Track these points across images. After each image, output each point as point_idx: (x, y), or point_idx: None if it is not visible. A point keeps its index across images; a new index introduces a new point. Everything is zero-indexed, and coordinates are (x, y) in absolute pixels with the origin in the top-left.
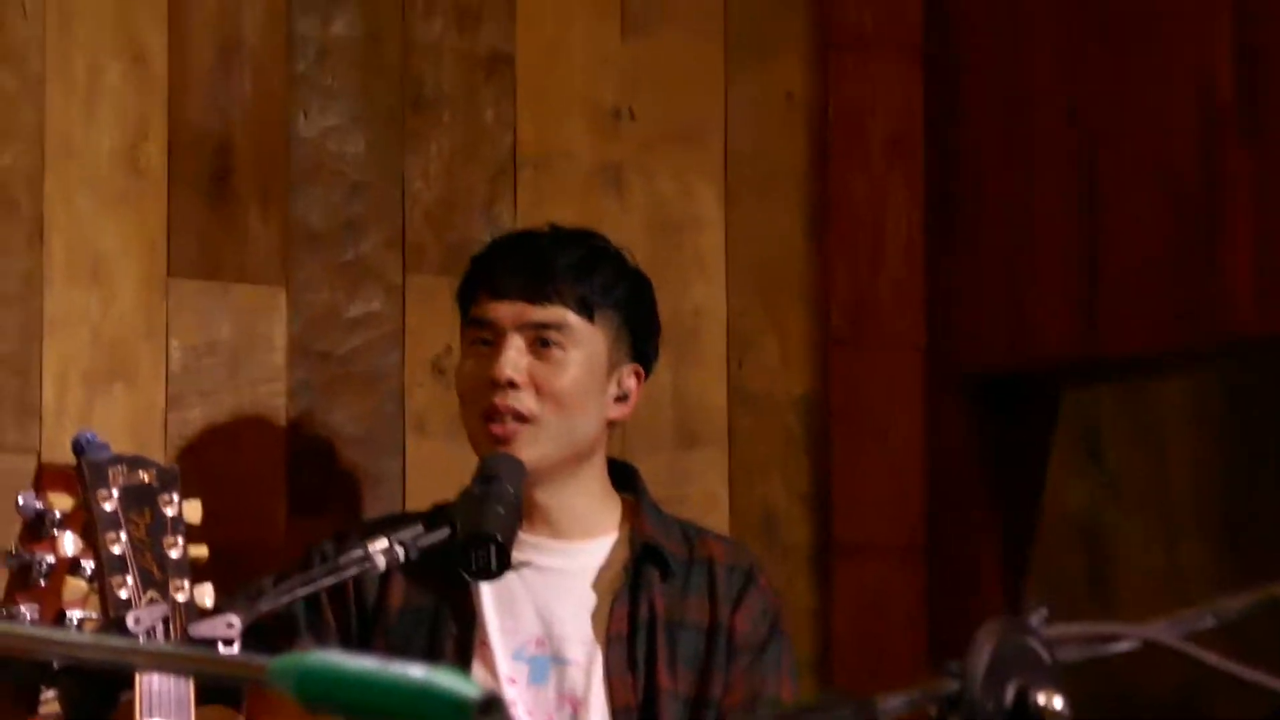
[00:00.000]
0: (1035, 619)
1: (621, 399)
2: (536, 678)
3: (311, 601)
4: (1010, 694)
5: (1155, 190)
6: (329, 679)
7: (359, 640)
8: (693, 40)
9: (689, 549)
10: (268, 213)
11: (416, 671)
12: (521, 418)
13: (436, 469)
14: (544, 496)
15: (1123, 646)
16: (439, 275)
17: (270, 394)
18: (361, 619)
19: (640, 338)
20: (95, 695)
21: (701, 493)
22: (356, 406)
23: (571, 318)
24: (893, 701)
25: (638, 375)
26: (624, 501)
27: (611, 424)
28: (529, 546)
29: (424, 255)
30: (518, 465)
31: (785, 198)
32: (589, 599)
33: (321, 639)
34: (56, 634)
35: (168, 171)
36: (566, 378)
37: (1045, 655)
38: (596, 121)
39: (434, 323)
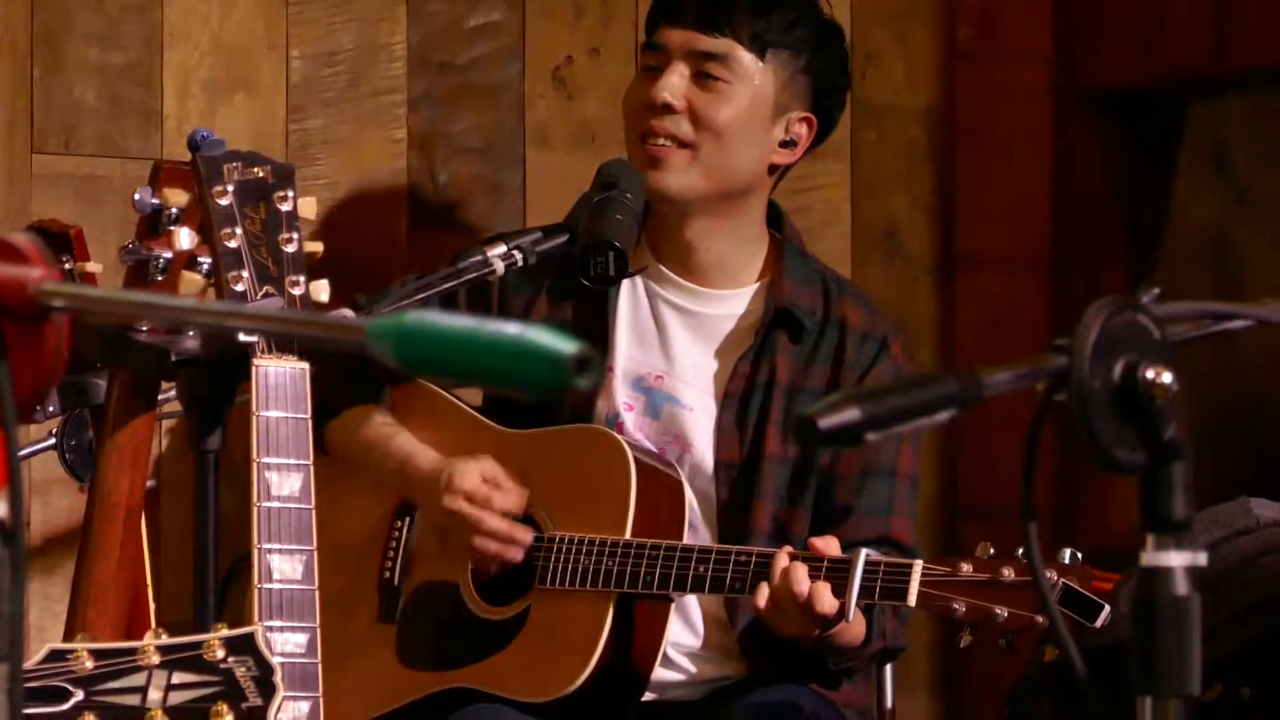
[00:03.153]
0: (1147, 296)
1: (788, 144)
2: (651, 411)
3: (449, 307)
4: (1118, 369)
5: None
6: (427, 338)
7: None
8: None
9: (825, 306)
10: None
11: (512, 328)
12: (677, 141)
13: (556, 180)
14: (693, 235)
15: (1235, 325)
16: None
17: (390, 104)
18: None
19: (820, 87)
20: (213, 388)
21: (823, 203)
22: (477, 117)
23: (740, 51)
24: (999, 376)
25: (809, 124)
26: (771, 242)
27: (774, 168)
28: (669, 283)
29: None
30: (635, 173)
31: None
32: (715, 350)
33: None
34: (168, 303)
35: None
36: (726, 110)
37: (1156, 332)
38: None
39: (554, 34)
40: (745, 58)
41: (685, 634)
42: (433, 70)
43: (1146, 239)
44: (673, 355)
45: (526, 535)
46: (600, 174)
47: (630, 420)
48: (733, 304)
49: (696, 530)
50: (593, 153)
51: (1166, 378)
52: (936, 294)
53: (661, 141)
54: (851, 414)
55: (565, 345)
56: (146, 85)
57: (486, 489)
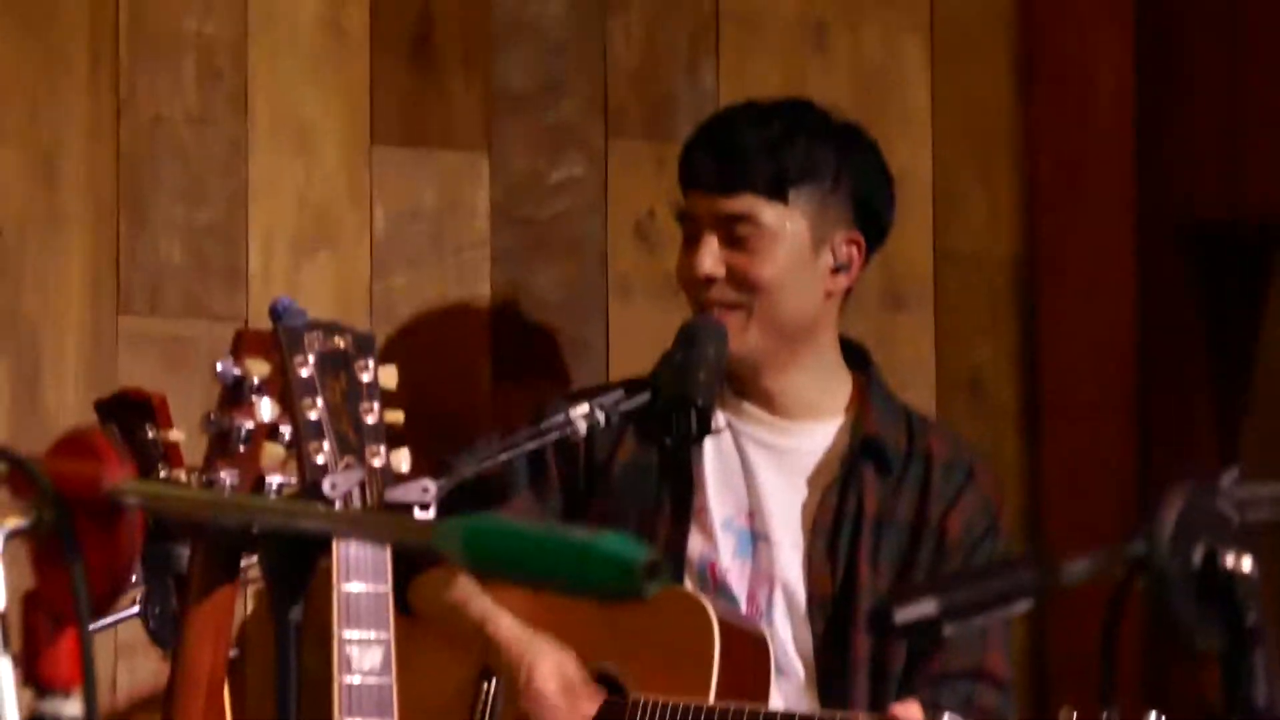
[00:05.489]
0: (1225, 479)
1: (839, 269)
2: (741, 551)
3: (536, 459)
4: (1198, 555)
5: None
6: (494, 541)
7: (584, 495)
8: None
9: (909, 441)
10: (469, 76)
11: (581, 534)
12: (729, 306)
13: (640, 334)
14: (770, 379)
15: None
16: (641, 139)
17: (473, 260)
18: (589, 474)
19: (858, 199)
20: (294, 561)
21: (909, 355)
22: (559, 272)
23: (761, 205)
24: (1078, 565)
25: (855, 243)
26: (854, 381)
27: (832, 295)
28: (752, 420)
29: (626, 118)
30: (719, 329)
31: (992, 54)
32: (801, 483)
33: (543, 495)
34: (239, 501)
35: (370, 36)
36: (766, 266)
37: (1234, 516)
38: None
39: (637, 186)
40: (768, 210)
41: None
42: (515, 225)
43: (1235, 380)
44: (760, 492)
45: None
46: (682, 331)
47: (723, 560)
48: (818, 437)
49: (788, 673)
50: (676, 305)
51: (1246, 563)
52: (1023, 441)
53: (716, 311)
54: (928, 606)
55: (634, 552)
56: (231, 244)
57: (564, 700)
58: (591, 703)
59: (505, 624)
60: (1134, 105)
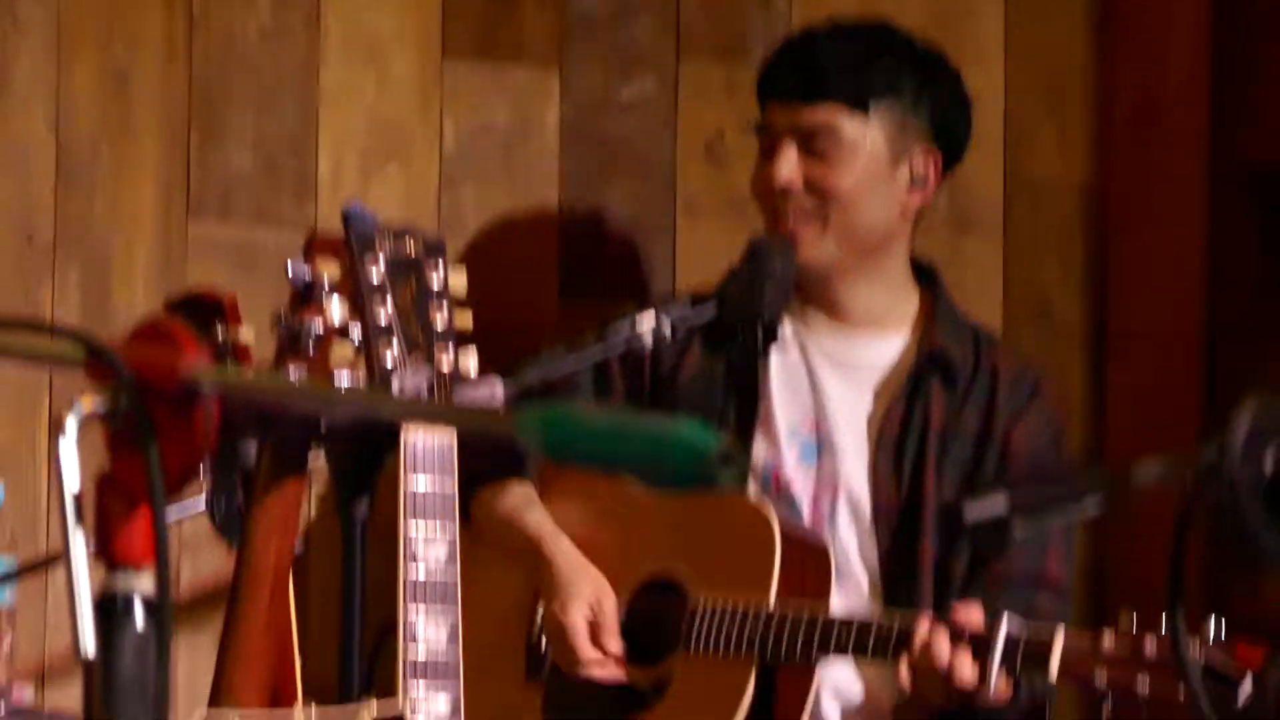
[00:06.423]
0: None
1: (916, 184)
2: (805, 458)
3: (601, 370)
4: (1270, 462)
5: None
6: (572, 427)
7: (648, 407)
8: None
9: (975, 356)
10: None
11: (657, 421)
12: (805, 218)
13: (707, 251)
14: (841, 290)
15: None
16: (712, 60)
17: (543, 176)
18: (655, 385)
19: (935, 117)
20: (361, 455)
21: (976, 279)
22: (628, 189)
23: (842, 116)
24: (1149, 468)
25: (933, 158)
26: (922, 297)
27: (907, 211)
28: (819, 329)
29: (697, 40)
30: (787, 245)
31: None
32: (868, 394)
33: (606, 405)
34: (318, 389)
35: None
36: (843, 178)
37: None
38: None
39: (706, 106)
40: (848, 123)
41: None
42: (585, 142)
43: None
44: (825, 401)
45: (618, 671)
46: (750, 247)
47: (787, 467)
48: (884, 350)
49: (851, 581)
50: (743, 226)
51: None
52: (1089, 366)
53: (791, 221)
54: (997, 504)
55: (708, 439)
56: (301, 154)
57: (582, 638)
58: (615, 643)
59: (561, 547)
60: (1210, 46)
